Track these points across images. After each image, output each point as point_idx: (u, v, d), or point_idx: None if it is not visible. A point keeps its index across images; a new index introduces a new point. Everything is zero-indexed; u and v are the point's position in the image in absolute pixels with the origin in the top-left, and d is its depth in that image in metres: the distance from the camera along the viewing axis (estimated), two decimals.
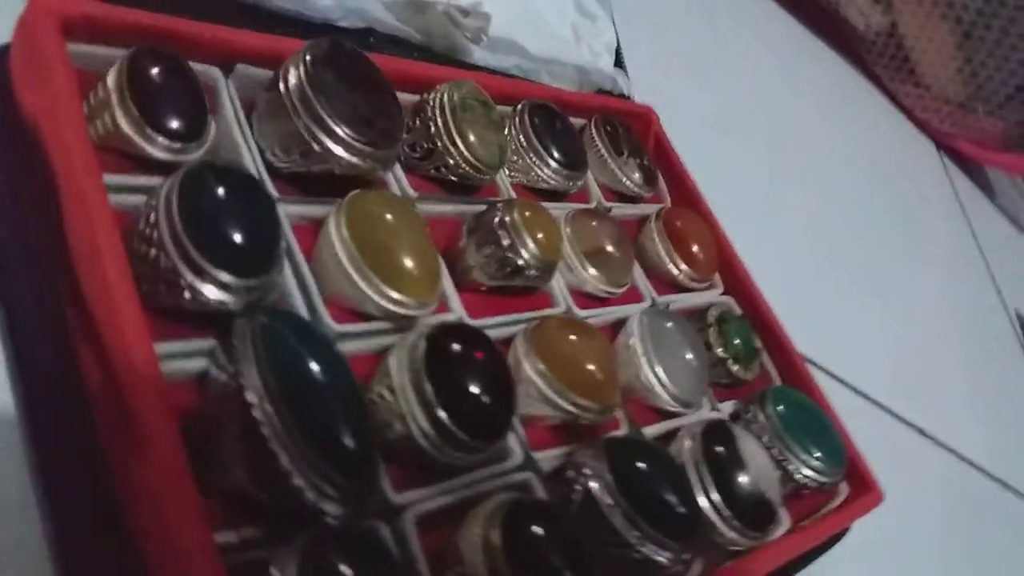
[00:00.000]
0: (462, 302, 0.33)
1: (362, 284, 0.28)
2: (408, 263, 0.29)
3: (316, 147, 0.29)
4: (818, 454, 0.38)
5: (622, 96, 0.52)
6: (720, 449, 0.34)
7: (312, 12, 0.38)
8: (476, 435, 0.27)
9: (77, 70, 0.26)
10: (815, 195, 0.73)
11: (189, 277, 0.24)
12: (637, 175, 0.44)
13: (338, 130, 0.29)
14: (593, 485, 0.29)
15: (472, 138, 0.35)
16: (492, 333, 0.32)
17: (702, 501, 0.33)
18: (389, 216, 0.30)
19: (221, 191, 0.25)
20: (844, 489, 0.41)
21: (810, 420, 0.39)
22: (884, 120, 0.99)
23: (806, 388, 0.43)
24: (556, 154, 0.39)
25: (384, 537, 0.25)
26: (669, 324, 0.37)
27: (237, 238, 0.25)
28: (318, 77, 0.29)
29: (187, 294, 0.24)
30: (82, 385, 0.24)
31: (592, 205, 0.42)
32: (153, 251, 0.24)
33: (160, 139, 0.27)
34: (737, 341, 0.41)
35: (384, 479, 0.26)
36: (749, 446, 0.35)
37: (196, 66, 0.30)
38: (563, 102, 0.44)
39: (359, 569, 0.21)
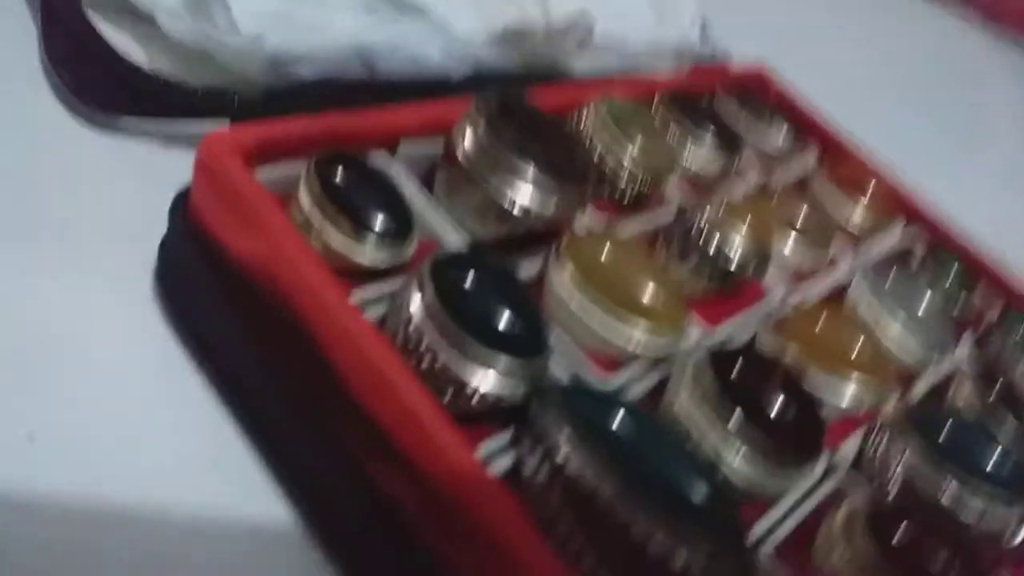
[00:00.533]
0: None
1: (615, 323, 0.26)
2: (649, 292, 0.27)
3: (512, 208, 0.28)
4: None
5: (724, 61, 0.49)
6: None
7: (426, 71, 0.36)
8: (801, 449, 0.24)
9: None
10: None
11: (472, 370, 0.22)
12: (782, 137, 0.42)
13: (530, 185, 0.27)
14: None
15: (638, 149, 0.33)
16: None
17: None
18: (608, 251, 0.28)
19: (471, 278, 0.23)
20: None
21: None
22: None
23: None
24: (709, 135, 0.37)
25: None
26: (895, 275, 0.35)
27: (508, 320, 0.23)
28: (496, 135, 0.28)
29: (470, 390, 0.22)
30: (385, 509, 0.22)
31: (760, 182, 0.39)
32: (425, 360, 0.22)
33: (376, 243, 0.25)
34: (955, 266, 0.38)
35: None
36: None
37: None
38: (681, 86, 0.42)
39: None
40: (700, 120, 0.38)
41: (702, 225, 0.31)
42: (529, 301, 0.24)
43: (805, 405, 0.25)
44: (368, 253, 0.25)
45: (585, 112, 0.34)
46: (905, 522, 0.24)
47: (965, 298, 0.37)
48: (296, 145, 0.26)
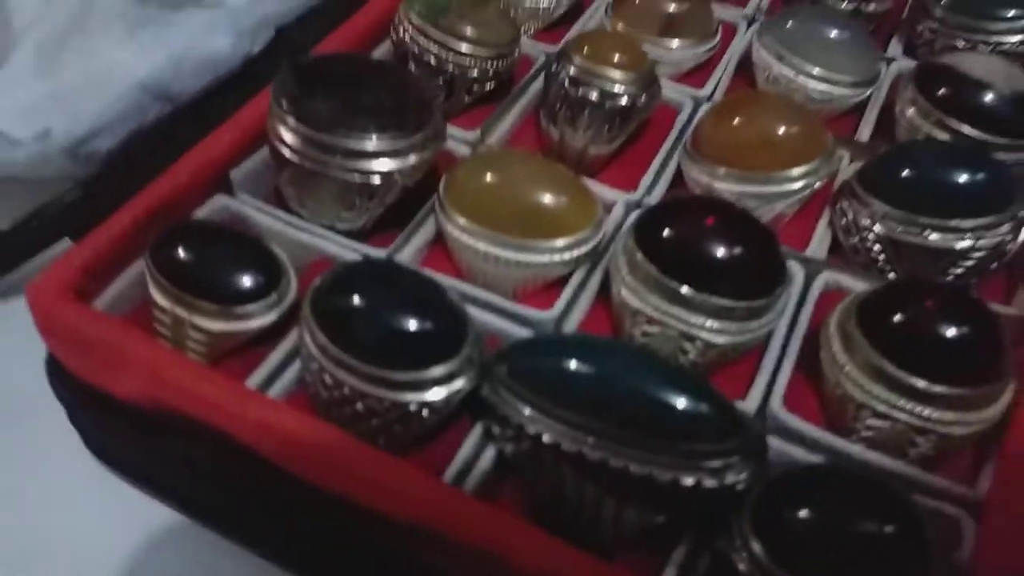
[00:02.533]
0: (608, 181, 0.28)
1: (528, 256, 0.24)
2: (548, 196, 0.25)
3: (371, 179, 0.25)
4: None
5: None
6: (950, 91, 0.28)
7: (225, 63, 0.32)
8: (757, 295, 0.23)
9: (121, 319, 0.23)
10: None
11: (404, 394, 0.20)
12: None
13: (375, 149, 0.24)
14: (872, 228, 0.25)
15: (474, 33, 0.29)
16: (661, 186, 0.28)
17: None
18: (491, 174, 0.25)
19: (356, 303, 0.21)
20: None
21: None
22: None
23: None
24: None
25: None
26: (791, 22, 0.31)
27: (417, 330, 0.21)
28: (310, 117, 0.24)
29: (415, 408, 0.21)
30: None
31: None
32: (359, 403, 0.21)
33: (256, 305, 0.23)
34: None
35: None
36: (975, 62, 0.29)
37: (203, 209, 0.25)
38: None
39: None
40: None
41: (574, 77, 0.28)
42: (432, 292, 0.22)
43: (751, 236, 0.23)
44: (254, 320, 0.23)
45: (398, 21, 0.30)
46: (895, 298, 0.22)
47: (872, 10, 0.34)
48: (125, 246, 0.24)
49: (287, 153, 0.25)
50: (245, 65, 0.33)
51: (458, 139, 0.28)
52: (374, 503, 0.19)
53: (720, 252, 0.23)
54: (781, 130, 0.27)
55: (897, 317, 0.22)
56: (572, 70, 0.28)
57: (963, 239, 0.24)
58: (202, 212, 0.25)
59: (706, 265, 0.22)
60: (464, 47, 0.29)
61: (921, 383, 0.21)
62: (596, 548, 0.19)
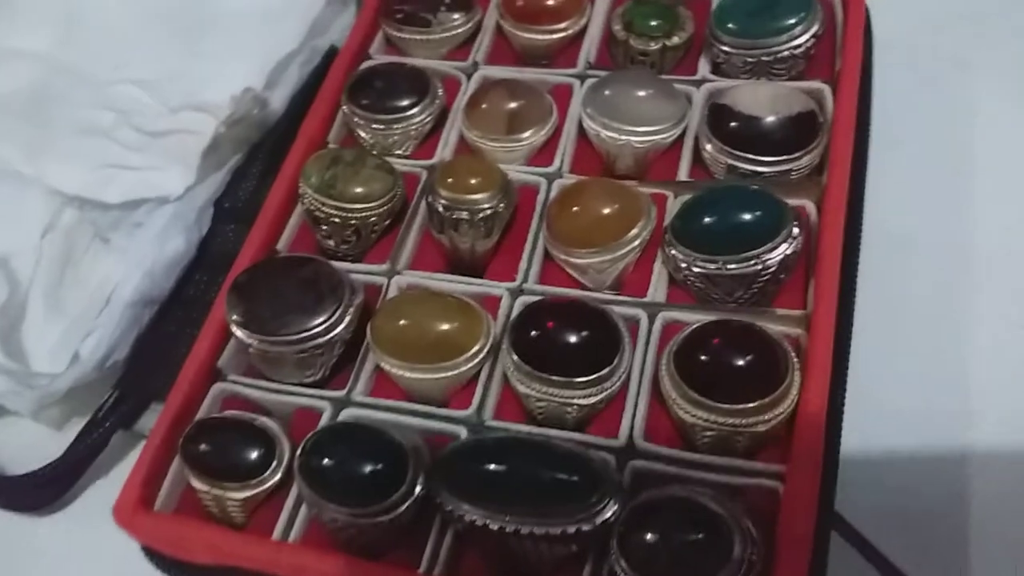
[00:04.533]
0: (493, 276, 0.36)
1: (444, 376, 0.33)
2: (445, 330, 0.33)
3: (318, 350, 0.33)
4: (789, 20, 0.38)
5: None
6: (727, 127, 0.35)
7: (187, 257, 0.41)
8: (606, 364, 0.31)
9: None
10: None
11: (383, 516, 0.30)
12: (455, 16, 0.43)
13: (312, 330, 0.33)
14: (690, 270, 0.33)
15: (358, 190, 0.37)
16: (535, 268, 0.36)
17: (763, 169, 0.35)
18: (402, 320, 0.33)
19: (327, 461, 0.30)
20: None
21: (753, 2, 0.39)
22: None
23: None
24: (400, 104, 0.40)
25: (649, 468, 0.30)
26: (606, 92, 0.38)
27: (368, 472, 0.30)
28: (258, 325, 0.33)
29: (388, 520, 0.30)
30: None
31: (464, 88, 0.42)
32: (352, 528, 0.30)
33: (264, 475, 0.32)
34: (655, 22, 0.40)
35: (600, 447, 0.31)
36: (742, 96, 0.36)
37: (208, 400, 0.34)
38: (360, 47, 0.44)
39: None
40: (382, 101, 0.40)
41: (445, 205, 0.36)
42: (379, 439, 0.31)
43: (592, 323, 0.32)
44: (266, 483, 0.32)
45: (301, 192, 0.37)
46: (696, 340, 0.30)
47: (677, 39, 0.40)
48: (163, 454, 0.33)
49: (249, 349, 0.33)
50: (200, 249, 0.41)
51: (375, 273, 0.37)
52: None
53: (571, 341, 0.31)
54: (608, 210, 0.35)
55: (701, 356, 0.30)
56: (442, 202, 0.36)
57: (754, 265, 0.32)
58: (207, 402, 0.34)
59: (563, 354, 0.31)
60: (357, 205, 0.37)
61: (725, 405, 0.29)
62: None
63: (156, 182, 0.41)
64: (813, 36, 0.38)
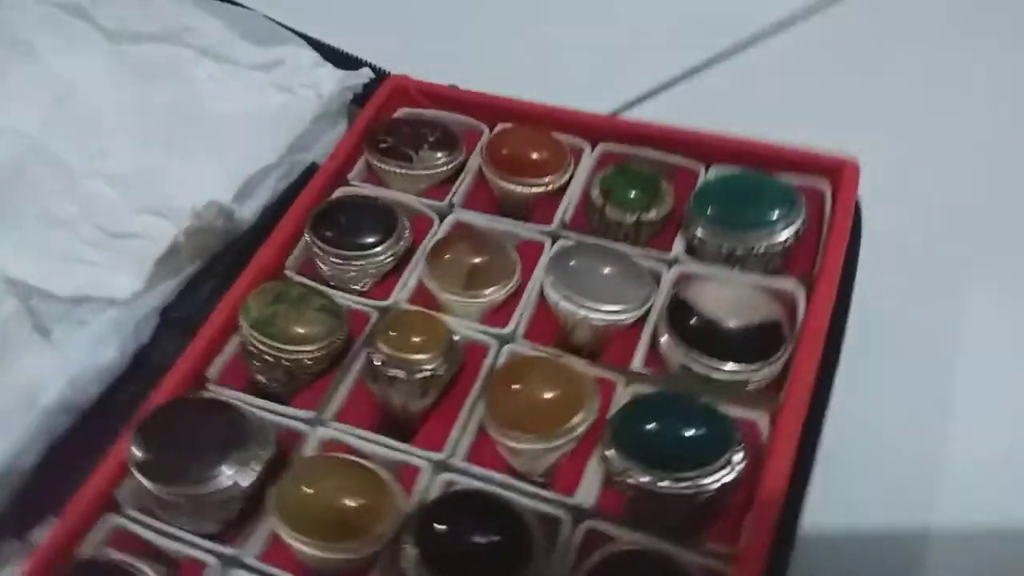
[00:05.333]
0: (423, 442, 0.34)
1: (344, 555, 0.30)
2: (351, 503, 0.31)
3: (212, 499, 0.31)
4: (771, 215, 0.36)
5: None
6: (687, 323, 0.34)
7: (117, 371, 0.39)
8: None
9: None
10: None
11: None
12: (440, 155, 0.43)
13: (211, 481, 0.31)
14: (631, 481, 0.31)
15: (301, 331, 0.35)
16: (464, 444, 0.34)
17: (717, 374, 0.33)
18: (305, 489, 0.31)
19: None
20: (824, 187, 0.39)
21: (737, 190, 0.37)
22: None
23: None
24: (365, 240, 0.39)
25: None
26: (571, 262, 0.37)
27: None
28: (148, 461, 0.31)
29: None
30: None
31: (438, 233, 0.41)
32: None
33: None
34: (634, 193, 0.39)
35: None
36: (705, 295, 0.34)
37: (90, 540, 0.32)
38: (337, 171, 0.43)
39: None
40: (336, 232, 0.39)
41: (383, 361, 0.34)
42: None
43: (503, 526, 0.29)
44: None
45: (240, 323, 0.36)
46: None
47: (656, 211, 0.39)
48: None
49: (146, 494, 0.31)
50: (135, 359, 0.40)
51: (300, 419, 0.35)
52: None
53: (479, 544, 0.29)
54: (550, 394, 0.33)
55: None
56: (380, 356, 0.34)
57: (686, 489, 0.30)
58: (96, 531, 0.32)
59: (466, 558, 0.29)
60: (292, 347, 0.35)
61: None
62: None
63: (106, 282, 0.40)
64: (794, 235, 0.36)
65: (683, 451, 0.30)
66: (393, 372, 0.34)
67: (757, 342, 0.33)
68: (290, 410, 0.35)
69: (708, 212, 0.37)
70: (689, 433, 0.30)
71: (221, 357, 0.37)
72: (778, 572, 0.29)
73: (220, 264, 0.43)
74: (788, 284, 0.36)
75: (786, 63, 0.55)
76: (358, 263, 0.39)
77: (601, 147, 0.43)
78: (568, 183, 0.42)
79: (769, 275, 0.37)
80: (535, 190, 0.41)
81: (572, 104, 0.43)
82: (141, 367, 0.40)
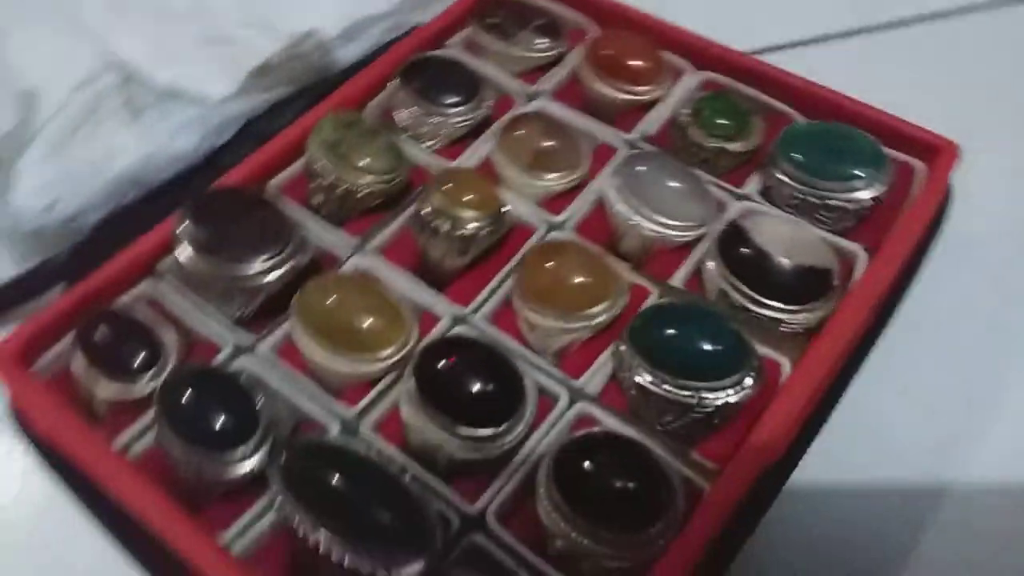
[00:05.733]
0: (452, 295, 0.34)
1: (345, 367, 0.31)
2: (365, 324, 0.32)
3: (248, 284, 0.33)
4: (854, 171, 0.35)
5: None
6: (738, 251, 0.33)
7: (191, 159, 0.41)
8: (492, 423, 0.29)
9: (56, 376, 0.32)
10: None
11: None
12: (541, 41, 0.42)
13: (245, 265, 0.32)
14: (634, 376, 0.31)
15: (361, 161, 0.36)
16: (489, 306, 0.34)
17: (753, 307, 0.32)
18: (329, 299, 0.32)
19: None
20: (919, 167, 0.38)
21: (827, 141, 0.36)
22: None
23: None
24: (446, 99, 0.39)
25: (484, 546, 0.28)
26: (639, 168, 0.36)
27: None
28: (198, 237, 0.32)
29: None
30: None
31: (518, 110, 0.41)
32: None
33: (134, 379, 0.31)
34: (724, 121, 0.38)
35: (451, 502, 0.29)
36: (766, 227, 0.33)
37: (131, 295, 0.34)
38: (437, 33, 0.43)
39: None
40: (432, 83, 0.39)
41: (432, 211, 0.35)
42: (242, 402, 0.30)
43: (493, 380, 0.30)
44: (136, 390, 0.31)
45: (307, 143, 0.37)
46: (585, 457, 0.28)
47: (739, 144, 0.38)
48: (63, 323, 0.33)
49: (184, 260, 0.33)
50: (210, 156, 0.41)
51: (342, 244, 0.36)
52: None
53: (473, 387, 0.29)
54: (580, 279, 0.33)
55: (583, 463, 0.28)
56: (429, 206, 0.35)
57: (689, 398, 0.30)
58: (128, 296, 0.34)
59: (459, 397, 0.29)
60: (352, 173, 0.36)
61: (584, 522, 0.27)
62: None
63: (200, 80, 0.42)
64: (873, 198, 0.35)
65: (695, 362, 0.30)
66: (437, 224, 0.34)
67: (802, 285, 0.32)
68: (335, 233, 0.36)
69: (791, 154, 0.36)
70: (706, 346, 0.30)
71: (286, 172, 0.38)
72: (754, 509, 0.29)
73: (311, 94, 0.44)
74: (851, 245, 0.35)
75: (950, 50, 0.52)
76: (435, 119, 0.39)
77: (704, 74, 0.42)
78: (659, 99, 0.41)
79: (837, 234, 0.36)
80: (624, 96, 0.41)
81: (706, 34, 0.42)
82: (212, 166, 0.41)
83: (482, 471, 0.30)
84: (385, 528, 0.26)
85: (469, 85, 0.40)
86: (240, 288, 0.33)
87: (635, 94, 0.41)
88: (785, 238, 0.33)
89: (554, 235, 0.36)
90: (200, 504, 0.29)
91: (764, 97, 0.40)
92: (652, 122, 0.40)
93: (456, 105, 0.39)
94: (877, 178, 0.35)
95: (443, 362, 0.30)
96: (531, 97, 0.42)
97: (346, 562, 0.26)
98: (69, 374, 0.32)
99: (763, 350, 0.32)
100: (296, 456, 0.28)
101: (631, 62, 0.41)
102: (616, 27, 0.44)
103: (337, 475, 0.27)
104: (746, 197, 0.37)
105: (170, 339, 0.33)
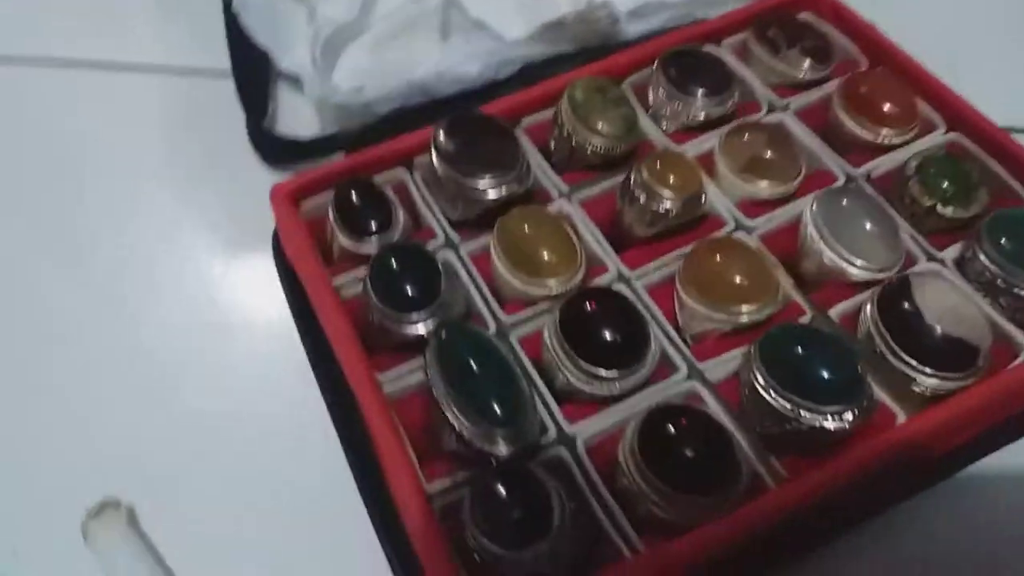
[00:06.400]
0: (626, 257, 0.39)
1: (518, 284, 0.37)
2: (545, 256, 0.37)
3: (473, 195, 0.40)
4: None
5: None
6: (896, 303, 0.34)
7: (471, 84, 0.48)
8: (609, 367, 0.34)
9: (313, 219, 0.41)
10: None
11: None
12: (806, 62, 0.45)
13: (474, 180, 0.39)
14: (751, 376, 0.34)
15: (598, 123, 0.41)
16: (653, 276, 0.38)
17: (891, 358, 0.34)
18: (526, 227, 0.38)
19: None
20: None
21: None
22: None
23: None
24: (695, 88, 0.43)
25: (567, 461, 0.33)
26: (844, 201, 0.38)
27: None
28: (447, 147, 0.40)
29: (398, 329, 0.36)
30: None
31: (759, 115, 0.44)
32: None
33: (366, 239, 0.40)
34: (945, 184, 0.38)
35: (555, 417, 0.34)
36: (932, 290, 0.34)
37: (386, 176, 0.42)
38: (715, 31, 0.47)
39: (512, 492, 0.30)
40: (689, 73, 0.43)
41: (637, 178, 0.39)
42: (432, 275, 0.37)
43: (625, 329, 0.34)
44: (363, 246, 0.40)
45: (560, 98, 0.43)
46: (670, 423, 0.32)
47: (953, 208, 0.38)
48: (329, 181, 0.42)
49: (435, 163, 0.40)
50: (488, 86, 0.48)
51: (555, 187, 0.42)
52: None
53: (605, 333, 0.34)
54: (740, 279, 0.36)
55: (666, 429, 0.32)
56: (636, 176, 0.39)
57: (788, 411, 0.32)
58: (382, 176, 0.43)
59: (591, 338, 0.34)
60: (585, 132, 0.41)
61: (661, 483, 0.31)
62: None
63: (505, 20, 0.49)
64: None
65: (808, 381, 0.32)
66: (637, 192, 0.39)
67: (945, 353, 0.33)
68: (553, 176, 0.42)
69: (998, 236, 0.36)
70: (823, 372, 0.32)
71: (537, 115, 0.45)
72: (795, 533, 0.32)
73: (588, 56, 0.49)
74: (1017, 333, 0.35)
75: None
76: (677, 104, 0.43)
77: (953, 135, 0.42)
78: (899, 146, 0.42)
79: (1013, 322, 0.35)
80: (863, 133, 0.42)
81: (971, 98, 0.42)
82: (487, 94, 0.49)
83: (590, 402, 0.35)
84: (496, 415, 0.32)
85: (719, 81, 0.43)
86: (464, 196, 0.40)
87: (876, 134, 0.42)
88: (946, 305, 0.34)
89: (739, 234, 0.39)
90: (376, 347, 0.37)
91: (1003, 173, 0.40)
92: (881, 164, 0.41)
93: (700, 96, 0.43)
94: None
95: (588, 306, 0.35)
96: (775, 108, 0.44)
97: (456, 427, 0.32)
98: (323, 221, 0.41)
99: (884, 397, 0.34)
100: (449, 332, 0.35)
101: (883, 104, 0.42)
102: (885, 66, 0.44)
103: (472, 359, 0.33)
104: (939, 260, 0.38)
105: (401, 217, 0.41)
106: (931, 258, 0.38)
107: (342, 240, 0.40)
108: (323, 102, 0.49)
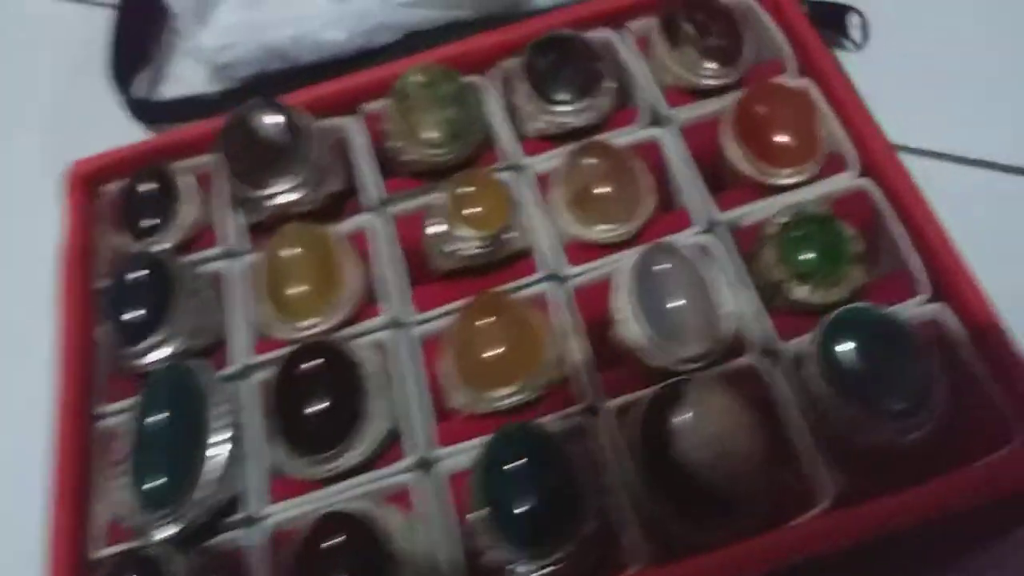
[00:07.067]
0: (419, 294, 0.33)
1: (264, 320, 0.33)
2: (297, 290, 0.32)
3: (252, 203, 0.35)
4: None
5: None
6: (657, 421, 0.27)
7: (338, 51, 0.42)
8: (319, 445, 0.29)
9: None
10: None
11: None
12: (706, 62, 0.35)
13: (255, 188, 0.34)
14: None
15: (417, 127, 0.34)
16: (440, 322, 0.32)
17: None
18: (291, 251, 0.32)
19: None
20: None
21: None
22: None
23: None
24: (555, 89, 0.35)
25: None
26: (656, 267, 0.30)
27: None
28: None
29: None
30: None
31: (631, 128, 0.35)
32: None
33: (141, 239, 0.36)
34: (809, 255, 0.29)
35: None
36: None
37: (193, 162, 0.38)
38: (633, 7, 0.38)
39: None
40: (559, 70, 0.35)
41: (439, 204, 0.33)
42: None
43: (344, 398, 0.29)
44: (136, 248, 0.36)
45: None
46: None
47: (808, 288, 0.29)
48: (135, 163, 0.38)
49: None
50: (360, 52, 0.42)
51: (369, 197, 0.35)
52: None
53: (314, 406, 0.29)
54: (503, 348, 0.29)
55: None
56: (436, 204, 0.33)
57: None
58: (189, 163, 0.38)
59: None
60: (400, 138, 0.35)
61: None
62: None
63: None
64: None
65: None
66: (434, 220, 0.33)
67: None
68: (374, 181, 0.35)
69: (841, 341, 0.27)
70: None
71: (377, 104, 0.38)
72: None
73: (485, 25, 0.41)
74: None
75: None
76: (532, 107, 0.35)
77: (864, 181, 0.32)
78: (794, 186, 0.33)
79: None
80: (745, 168, 0.33)
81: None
82: (359, 63, 0.42)
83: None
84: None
85: (587, 82, 0.35)
86: (246, 203, 0.35)
87: (758, 170, 0.33)
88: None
89: (549, 285, 0.32)
90: None
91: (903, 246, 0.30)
92: (757, 213, 0.32)
93: (559, 99, 0.35)
94: None
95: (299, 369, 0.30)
96: (658, 120, 0.35)
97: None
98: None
99: None
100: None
101: (777, 132, 0.32)
102: (814, 77, 0.34)
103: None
104: (773, 353, 0.29)
105: (189, 217, 0.36)
106: (767, 351, 0.29)
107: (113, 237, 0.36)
108: (197, 58, 0.45)
